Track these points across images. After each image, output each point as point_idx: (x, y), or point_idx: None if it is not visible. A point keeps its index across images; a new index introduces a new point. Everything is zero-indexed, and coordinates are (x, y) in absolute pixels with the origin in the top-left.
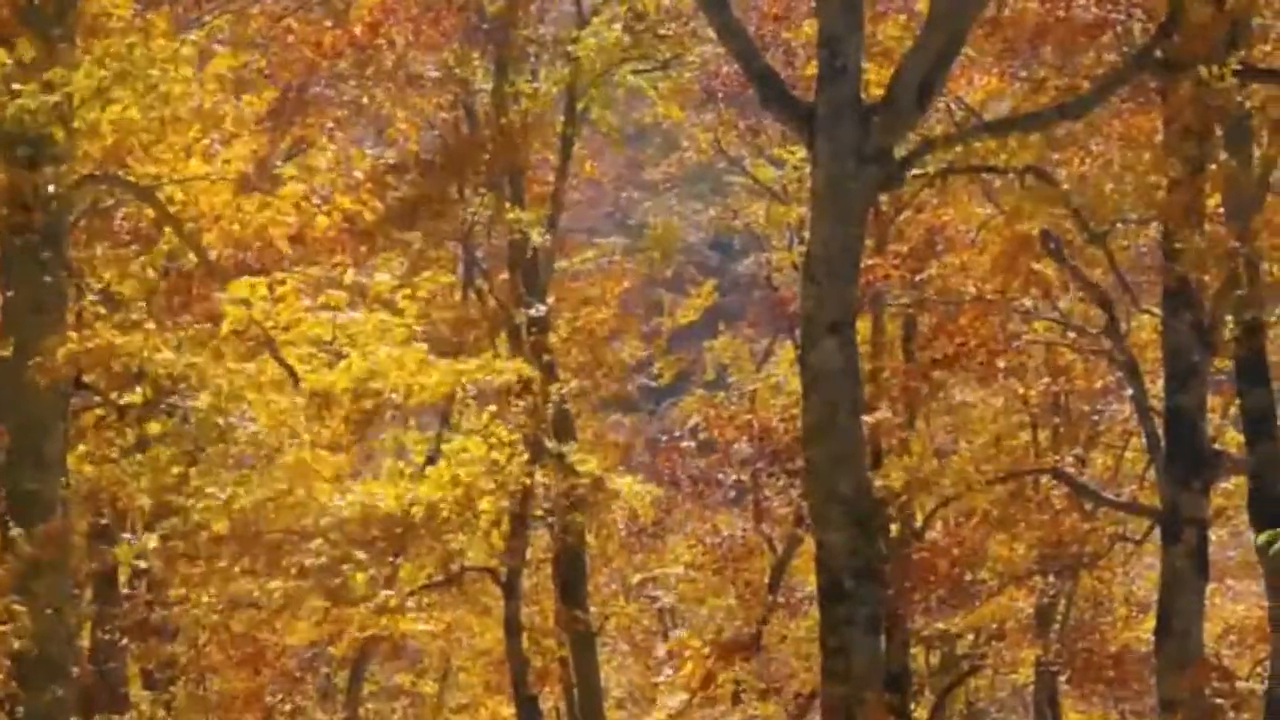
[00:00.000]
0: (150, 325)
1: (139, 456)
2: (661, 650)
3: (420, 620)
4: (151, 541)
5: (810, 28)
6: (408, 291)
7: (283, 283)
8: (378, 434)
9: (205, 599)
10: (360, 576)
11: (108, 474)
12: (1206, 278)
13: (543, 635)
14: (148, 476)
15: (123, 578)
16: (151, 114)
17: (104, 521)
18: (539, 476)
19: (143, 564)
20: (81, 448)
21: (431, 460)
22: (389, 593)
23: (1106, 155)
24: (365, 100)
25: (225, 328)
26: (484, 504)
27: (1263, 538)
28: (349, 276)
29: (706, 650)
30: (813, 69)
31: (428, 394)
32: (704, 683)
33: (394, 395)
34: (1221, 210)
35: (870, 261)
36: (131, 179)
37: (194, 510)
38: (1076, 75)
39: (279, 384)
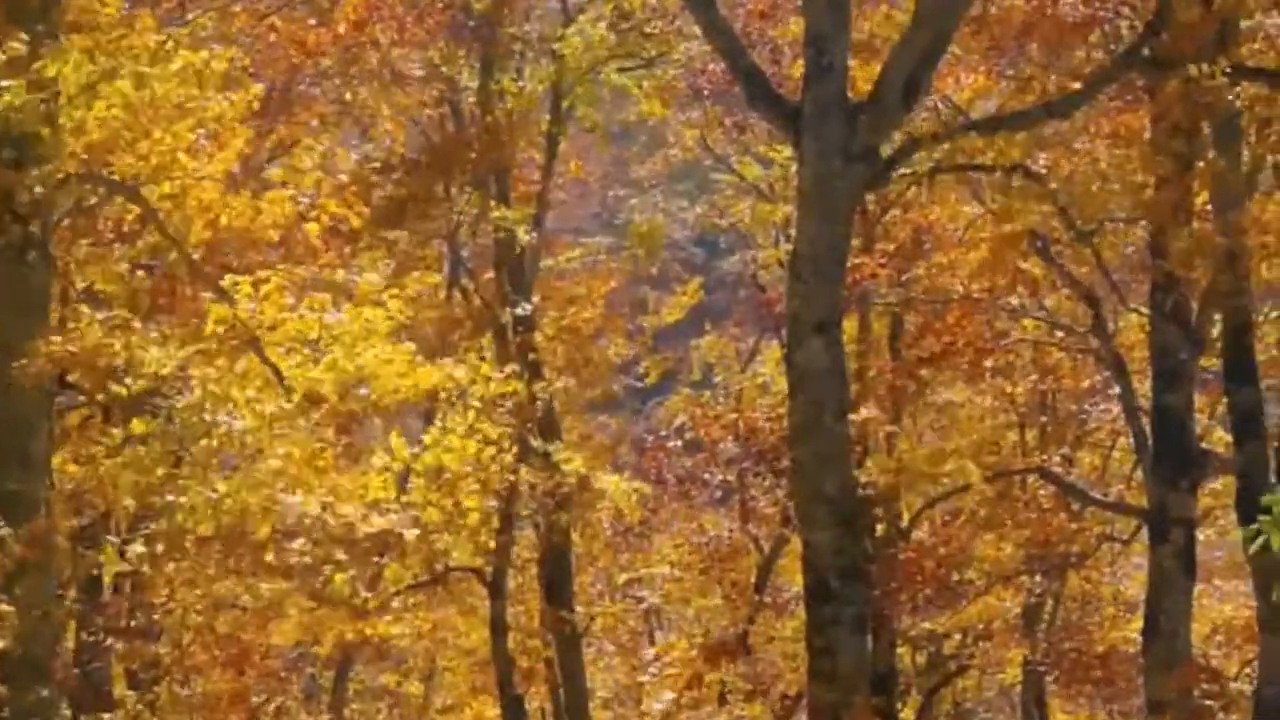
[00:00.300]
0: (136, 324)
1: (123, 457)
2: (648, 650)
3: (400, 623)
4: (137, 544)
5: (796, 26)
6: (394, 291)
7: (267, 281)
8: (365, 435)
9: (190, 599)
10: (340, 578)
11: (92, 474)
12: (1194, 276)
13: (528, 635)
14: (132, 476)
15: (107, 578)
16: (138, 111)
17: (88, 522)
18: (524, 475)
19: (127, 566)
20: (66, 448)
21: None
22: (368, 595)
23: (1094, 153)
24: (350, 99)
25: (209, 327)
26: (470, 503)
27: (1244, 532)
28: (337, 275)
29: (693, 651)
30: (799, 67)
31: (413, 391)
32: (691, 683)
33: (385, 397)
34: (1209, 208)
35: (857, 260)
36: (116, 177)
37: (179, 511)
38: (1064, 73)
39: (265, 383)
